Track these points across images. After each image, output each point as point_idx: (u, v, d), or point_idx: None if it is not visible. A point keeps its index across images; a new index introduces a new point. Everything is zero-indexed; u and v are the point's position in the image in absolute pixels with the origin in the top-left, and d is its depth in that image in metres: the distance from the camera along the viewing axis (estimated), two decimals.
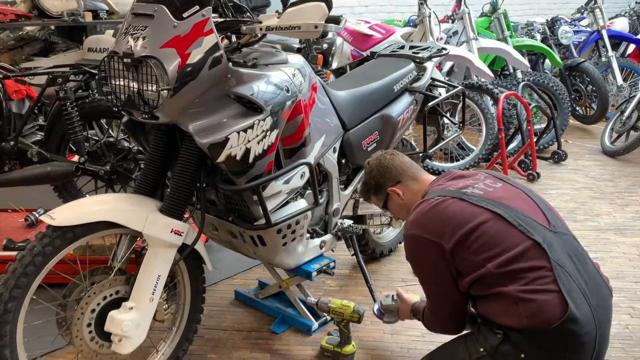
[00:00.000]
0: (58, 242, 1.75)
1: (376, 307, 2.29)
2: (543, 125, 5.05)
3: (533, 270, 1.58)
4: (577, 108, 5.95)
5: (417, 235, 1.72)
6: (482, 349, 1.64)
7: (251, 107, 1.90)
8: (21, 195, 3.43)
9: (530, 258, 1.59)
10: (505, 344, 1.60)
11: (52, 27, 4.94)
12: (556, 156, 4.93)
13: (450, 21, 5.28)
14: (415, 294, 2.16)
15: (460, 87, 2.92)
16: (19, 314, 1.72)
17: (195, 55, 1.75)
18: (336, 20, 1.82)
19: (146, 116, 1.80)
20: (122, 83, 1.81)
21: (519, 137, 4.82)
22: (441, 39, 4.93)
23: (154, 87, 1.73)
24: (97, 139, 2.88)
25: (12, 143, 2.70)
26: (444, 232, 1.67)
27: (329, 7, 1.81)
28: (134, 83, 1.78)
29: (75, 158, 2.77)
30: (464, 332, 1.82)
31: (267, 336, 2.47)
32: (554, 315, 1.53)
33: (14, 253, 2.69)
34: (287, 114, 2.00)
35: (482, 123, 4.51)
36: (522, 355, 1.57)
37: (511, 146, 4.78)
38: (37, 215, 3.11)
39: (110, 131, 2.98)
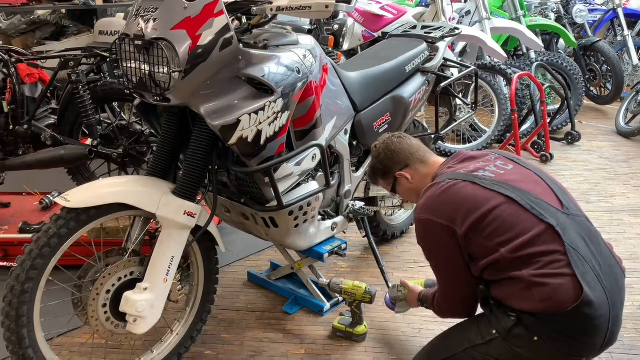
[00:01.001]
0: (73, 223, 1.77)
1: (387, 297, 2.30)
2: (557, 106, 4.99)
3: (547, 254, 1.57)
4: (592, 88, 5.88)
5: (429, 219, 1.71)
6: (494, 331, 1.64)
7: (262, 88, 1.90)
8: (35, 179, 3.47)
9: (544, 242, 1.58)
10: (518, 327, 1.59)
11: (63, 10, 4.94)
12: (570, 137, 4.88)
13: (462, 1, 5.21)
14: (422, 277, 2.17)
15: (473, 68, 2.90)
16: (35, 294, 1.75)
17: (206, 37, 1.75)
18: (347, 0, 1.80)
19: (158, 98, 1.81)
20: (133, 65, 1.81)
21: (532, 118, 4.78)
22: (453, 19, 4.86)
23: (166, 69, 1.73)
24: (109, 122, 2.90)
25: (25, 127, 2.72)
26: (456, 216, 1.65)
27: None
28: (146, 65, 1.78)
29: (88, 141, 2.79)
30: (476, 313, 1.82)
31: (280, 317, 2.49)
32: (568, 299, 1.52)
33: (29, 235, 2.75)
34: (298, 95, 1.99)
35: (495, 104, 4.47)
36: (535, 338, 1.56)
37: (524, 127, 4.74)
38: (51, 198, 3.14)
39: (122, 114, 2.99)
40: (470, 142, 4.62)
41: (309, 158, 2.15)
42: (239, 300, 2.61)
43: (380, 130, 2.58)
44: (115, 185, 1.85)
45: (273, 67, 1.91)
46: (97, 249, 1.92)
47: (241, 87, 1.87)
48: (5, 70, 2.69)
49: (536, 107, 4.55)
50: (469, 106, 3.05)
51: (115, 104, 3.02)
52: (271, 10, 1.89)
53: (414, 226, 3.20)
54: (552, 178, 1.80)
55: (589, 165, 4.39)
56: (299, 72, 1.98)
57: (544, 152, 4.48)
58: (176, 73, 1.72)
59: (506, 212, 1.62)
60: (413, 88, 2.69)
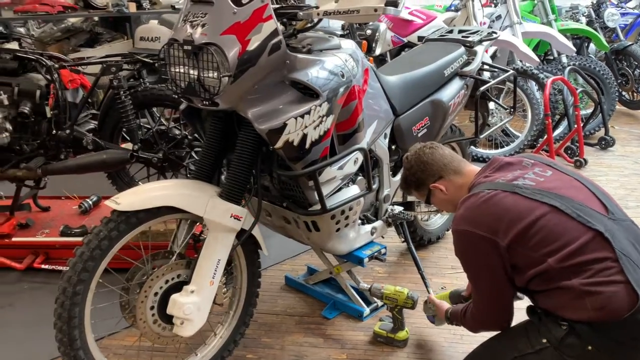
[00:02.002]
0: (123, 226, 1.79)
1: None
2: (589, 111, 4.92)
3: (597, 262, 1.52)
4: (624, 93, 5.79)
5: (469, 231, 1.65)
6: (544, 340, 1.59)
7: (307, 92, 1.91)
8: (73, 183, 3.52)
9: (593, 250, 1.53)
10: (570, 336, 1.54)
11: (96, 18, 5.03)
12: (603, 142, 4.81)
13: (493, 5, 5.18)
14: (460, 283, 2.14)
15: (512, 71, 2.87)
16: (87, 296, 1.77)
17: (255, 42, 1.76)
18: (394, 3, 1.80)
19: (206, 103, 1.82)
20: (182, 70, 1.83)
21: (564, 123, 4.72)
22: (484, 23, 4.84)
23: (215, 74, 1.75)
24: (149, 127, 2.93)
25: (68, 131, 2.76)
26: (498, 228, 1.60)
27: None
28: (195, 70, 1.80)
29: (128, 146, 2.82)
30: (523, 321, 1.77)
31: (319, 321, 2.49)
32: (623, 306, 1.47)
33: (70, 238, 2.80)
34: (342, 99, 1.99)
35: (528, 108, 4.43)
36: (589, 347, 1.52)
37: (556, 132, 4.68)
38: (90, 202, 3.19)
39: (161, 119, 3.02)
40: (502, 147, 4.58)
41: (351, 162, 2.15)
42: (277, 304, 2.62)
43: (419, 135, 2.57)
44: (163, 189, 1.87)
45: (318, 71, 1.91)
46: (143, 251, 1.94)
47: (287, 91, 1.89)
48: (48, 76, 2.74)
49: (569, 111, 4.49)
50: (508, 110, 3.01)
51: (154, 109, 3.06)
52: (318, 14, 1.90)
53: (450, 231, 3.18)
54: (593, 182, 1.75)
55: (624, 170, 4.33)
56: (342, 76, 1.98)
57: (577, 157, 4.43)
58: (225, 77, 1.74)
59: (551, 222, 1.58)
60: (452, 92, 2.68)
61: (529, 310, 1.73)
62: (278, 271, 2.90)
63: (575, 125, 4.41)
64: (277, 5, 1.98)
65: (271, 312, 2.55)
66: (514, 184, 1.68)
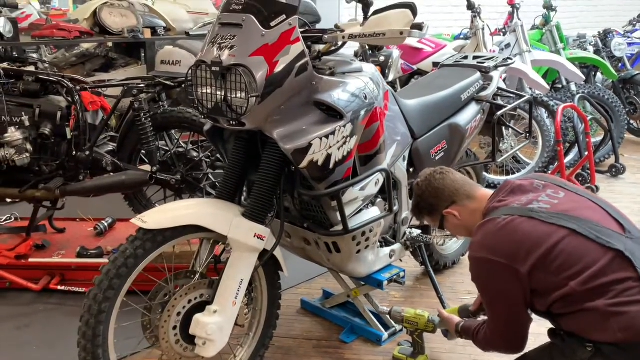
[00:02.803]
0: (149, 244, 1.79)
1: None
2: (598, 139, 4.95)
3: (620, 282, 1.51)
4: (632, 121, 5.82)
5: (487, 258, 1.64)
6: None
7: (331, 114, 1.93)
8: (86, 206, 3.53)
9: (615, 270, 1.52)
10: (597, 358, 1.52)
11: (110, 44, 5.11)
12: (614, 169, 4.82)
13: (501, 34, 5.25)
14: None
15: (528, 97, 2.90)
16: (111, 315, 1.77)
17: (283, 63, 1.79)
18: (419, 27, 1.84)
19: (233, 123, 1.85)
20: (209, 91, 1.86)
21: (574, 151, 4.74)
22: (494, 51, 4.90)
23: (243, 94, 1.77)
24: (167, 149, 2.96)
25: (87, 153, 2.78)
26: (517, 254, 1.59)
27: (414, 13, 1.83)
28: (222, 91, 1.82)
29: (147, 168, 2.84)
30: (546, 343, 1.75)
31: (336, 345, 2.46)
32: None
33: (88, 260, 2.80)
34: (365, 121, 2.02)
35: (538, 135, 4.46)
36: None
37: (566, 160, 4.67)
38: (105, 224, 3.19)
39: (179, 142, 3.04)
40: (513, 173, 4.59)
41: (373, 183, 2.16)
42: (294, 328, 2.60)
43: (437, 158, 2.58)
44: (189, 207, 1.88)
45: (342, 94, 1.94)
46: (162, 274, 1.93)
47: (312, 112, 1.91)
48: (69, 98, 2.77)
49: (580, 138, 4.52)
50: (523, 135, 3.03)
51: (173, 132, 3.08)
52: (343, 37, 1.93)
53: (465, 256, 3.17)
54: (606, 202, 1.74)
55: (636, 197, 4.33)
56: (365, 97, 2.01)
57: (589, 184, 4.42)
58: (253, 98, 1.76)
59: (571, 245, 1.57)
60: (469, 116, 2.70)
61: (551, 332, 1.71)
62: (293, 295, 2.88)
63: (587, 153, 4.43)
64: (303, 29, 2.02)
65: (288, 335, 2.53)
66: (529, 208, 1.67)
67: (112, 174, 2.80)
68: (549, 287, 1.58)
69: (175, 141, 3.01)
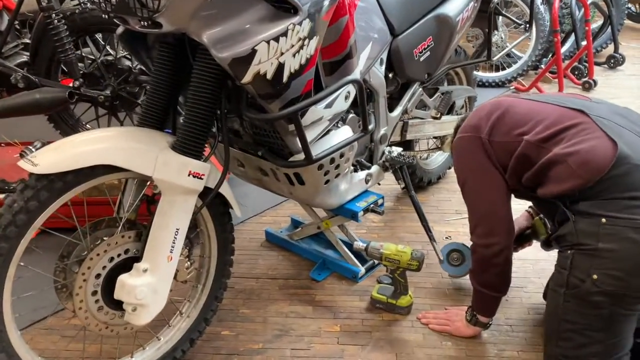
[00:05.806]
0: (44, 194, 1.36)
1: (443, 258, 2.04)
2: (594, 26, 4.46)
3: (573, 127, 1.52)
4: (630, 5, 5.32)
5: (459, 137, 1.73)
6: (568, 252, 1.50)
7: (282, 7, 1.43)
8: (16, 127, 3.03)
9: (568, 118, 1.54)
10: (579, 221, 1.48)
11: None
12: (612, 60, 4.39)
13: None
14: (466, 230, 1.92)
15: None
16: (3, 286, 1.36)
17: None
18: None
19: (145, 23, 1.35)
20: None
21: (569, 41, 4.27)
22: None
23: None
24: (93, 58, 2.43)
25: None
26: (480, 124, 1.66)
27: None
28: None
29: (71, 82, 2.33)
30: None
31: (306, 284, 2.12)
32: (605, 157, 1.43)
33: (3, 196, 2.35)
34: (328, 15, 1.52)
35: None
36: (603, 220, 1.42)
37: (561, 50, 4.23)
38: (32, 150, 2.71)
39: (108, 48, 2.50)
40: (504, 69, 4.13)
41: (342, 97, 1.71)
42: (257, 266, 2.24)
43: (422, 59, 2.12)
44: (97, 141, 1.41)
45: None
46: (80, 221, 1.51)
47: (255, 5, 1.40)
48: None
49: (577, 26, 4.03)
50: (522, 26, 2.55)
51: (99, 36, 2.53)
52: None
53: (451, 170, 2.80)
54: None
55: (636, 91, 3.94)
56: None
57: (586, 79, 4.01)
58: None
59: (526, 105, 1.64)
60: (460, 5, 2.21)
61: (544, 242, 1.84)
62: (257, 224, 2.50)
63: (585, 42, 3.96)
64: None
65: (250, 275, 2.18)
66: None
67: (26, 91, 2.28)
68: (507, 149, 1.60)
69: (103, 47, 2.47)
